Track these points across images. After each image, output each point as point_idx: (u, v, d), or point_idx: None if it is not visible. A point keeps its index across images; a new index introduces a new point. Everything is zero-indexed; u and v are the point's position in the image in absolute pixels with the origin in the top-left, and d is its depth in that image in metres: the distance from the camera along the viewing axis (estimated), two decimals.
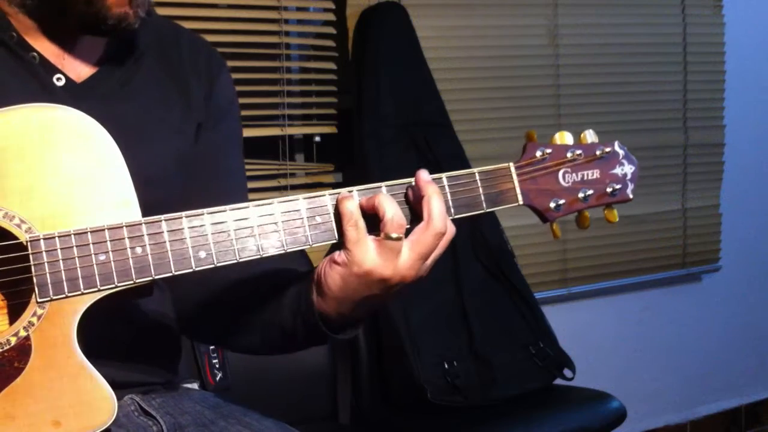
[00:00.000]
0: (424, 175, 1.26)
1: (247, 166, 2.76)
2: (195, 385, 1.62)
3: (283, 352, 1.47)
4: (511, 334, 2.87)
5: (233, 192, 1.53)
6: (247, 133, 2.85)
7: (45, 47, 1.36)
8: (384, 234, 1.21)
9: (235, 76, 2.86)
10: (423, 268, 1.26)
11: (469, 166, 2.98)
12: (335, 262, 1.24)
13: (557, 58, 3.43)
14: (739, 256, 3.94)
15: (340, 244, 1.24)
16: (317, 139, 3.06)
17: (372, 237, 1.23)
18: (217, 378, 2.42)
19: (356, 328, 1.34)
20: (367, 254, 1.22)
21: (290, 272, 1.40)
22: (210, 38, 2.75)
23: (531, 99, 3.41)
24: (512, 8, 3.35)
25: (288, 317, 1.35)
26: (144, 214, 1.22)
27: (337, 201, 1.24)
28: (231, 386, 2.43)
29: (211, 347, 2.44)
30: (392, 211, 1.21)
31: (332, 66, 3.02)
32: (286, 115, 2.93)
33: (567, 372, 2.85)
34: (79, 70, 1.39)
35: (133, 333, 1.42)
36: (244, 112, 2.82)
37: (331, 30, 3.01)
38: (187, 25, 2.57)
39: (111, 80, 1.40)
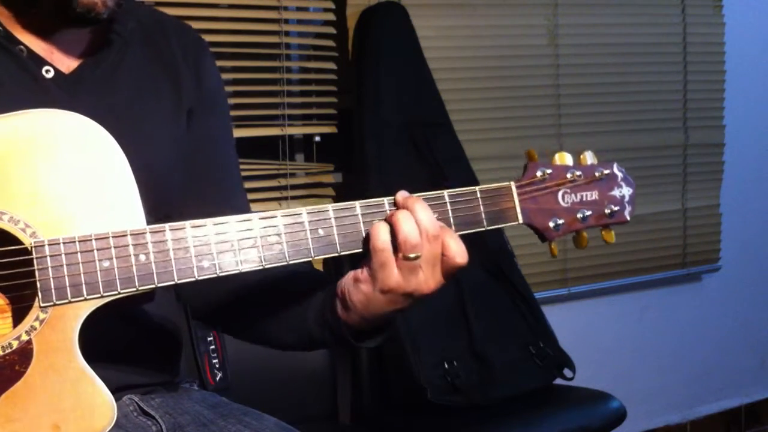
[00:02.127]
0: (398, 196, 1.27)
1: (247, 166, 2.80)
2: (194, 385, 1.63)
3: (298, 350, 1.49)
4: (511, 334, 2.87)
5: (229, 176, 1.56)
6: (247, 133, 2.86)
7: (31, 41, 1.37)
8: (402, 255, 1.23)
9: (235, 76, 2.90)
10: (441, 274, 1.28)
11: (469, 167, 3.00)
12: (359, 281, 1.26)
13: (557, 58, 3.43)
14: (739, 256, 3.95)
15: (363, 260, 1.26)
16: (317, 139, 3.05)
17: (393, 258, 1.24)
18: (217, 378, 2.42)
19: (382, 335, 1.36)
20: (391, 275, 1.23)
21: (305, 277, 1.41)
22: (210, 38, 2.75)
23: (531, 99, 3.41)
24: (512, 8, 3.35)
25: (313, 328, 1.37)
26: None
27: (373, 228, 1.24)
28: (231, 386, 2.43)
29: (211, 347, 2.45)
30: (405, 231, 1.22)
31: (332, 66, 3.01)
32: (286, 115, 2.93)
33: (567, 372, 2.86)
34: (68, 62, 1.39)
35: (132, 333, 1.42)
36: (244, 112, 2.85)
37: (331, 30, 3.01)
38: None
39: (98, 70, 1.41)
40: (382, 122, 2.91)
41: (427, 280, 1.25)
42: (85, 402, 1.17)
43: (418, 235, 1.22)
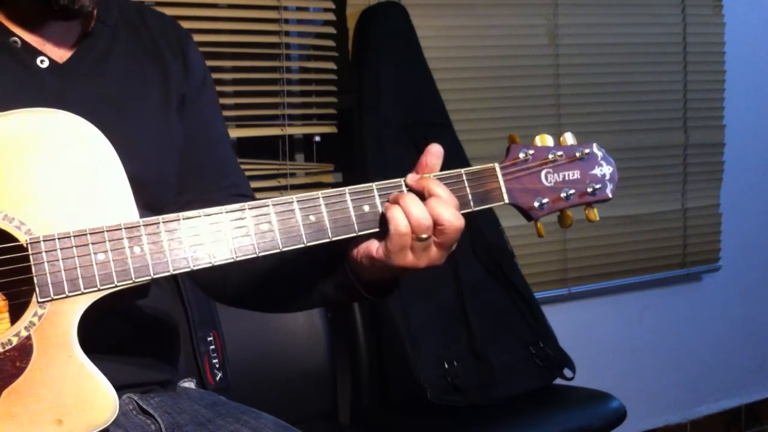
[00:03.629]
0: (408, 180, 1.31)
1: (247, 166, 2.80)
2: (193, 384, 1.63)
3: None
4: (511, 334, 2.88)
5: (225, 157, 1.59)
6: (247, 133, 2.86)
7: (24, 32, 1.38)
8: (415, 236, 1.25)
9: (235, 76, 2.90)
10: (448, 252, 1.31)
11: (469, 167, 2.99)
12: (373, 257, 1.29)
13: (557, 58, 3.43)
14: (739, 256, 3.95)
15: (378, 238, 1.28)
16: (317, 138, 3.06)
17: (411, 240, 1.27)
18: (218, 378, 2.42)
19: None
20: (407, 256, 1.26)
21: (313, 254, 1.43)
22: (210, 38, 2.78)
23: (531, 99, 3.41)
24: (512, 8, 3.35)
25: (329, 290, 1.40)
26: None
27: (393, 212, 1.26)
28: (231, 386, 2.43)
29: (211, 347, 2.45)
30: (416, 213, 1.25)
31: (332, 66, 3.02)
32: (286, 115, 2.93)
33: (567, 372, 2.86)
34: (60, 52, 1.41)
35: (131, 332, 1.43)
36: (244, 112, 2.85)
37: (331, 30, 3.01)
38: (187, 25, 2.58)
39: (89, 59, 1.43)
40: (382, 122, 2.91)
41: (433, 256, 1.28)
42: (86, 396, 1.18)
43: (428, 218, 1.25)
